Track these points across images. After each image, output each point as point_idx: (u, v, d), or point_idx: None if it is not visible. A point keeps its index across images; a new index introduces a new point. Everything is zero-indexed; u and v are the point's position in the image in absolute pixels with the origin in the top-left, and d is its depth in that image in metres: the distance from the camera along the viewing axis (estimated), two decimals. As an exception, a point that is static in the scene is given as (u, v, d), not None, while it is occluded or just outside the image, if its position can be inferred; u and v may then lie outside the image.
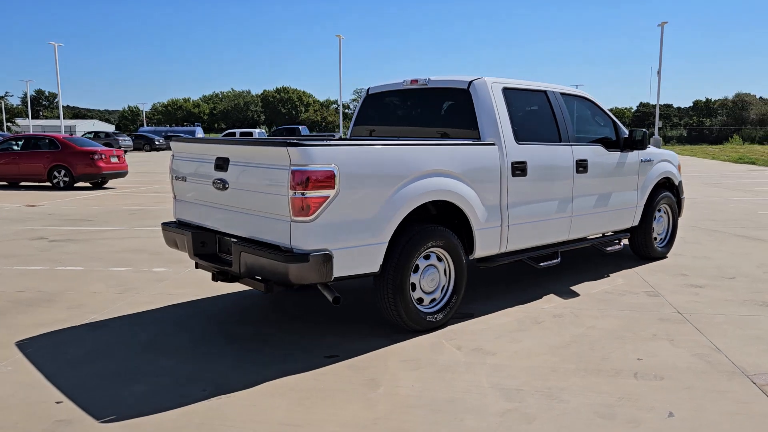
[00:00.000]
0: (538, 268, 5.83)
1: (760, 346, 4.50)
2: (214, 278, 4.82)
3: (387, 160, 4.47)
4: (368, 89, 6.39)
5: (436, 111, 5.77)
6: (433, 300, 4.93)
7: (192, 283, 6.38)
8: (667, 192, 7.37)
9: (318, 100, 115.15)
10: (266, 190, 4.24)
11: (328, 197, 4.11)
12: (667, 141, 65.00)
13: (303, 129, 37.54)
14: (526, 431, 3.30)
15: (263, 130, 32.47)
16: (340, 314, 5.32)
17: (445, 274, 4.97)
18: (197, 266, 5.19)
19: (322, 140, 4.53)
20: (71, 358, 4.35)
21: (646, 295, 5.87)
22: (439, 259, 4.91)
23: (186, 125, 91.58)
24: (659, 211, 7.33)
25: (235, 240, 4.51)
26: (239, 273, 4.46)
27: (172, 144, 5.29)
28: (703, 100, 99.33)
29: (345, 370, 4.13)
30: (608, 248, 6.66)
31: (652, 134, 42.10)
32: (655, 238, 7.35)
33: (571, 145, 5.93)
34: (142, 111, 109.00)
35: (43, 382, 3.95)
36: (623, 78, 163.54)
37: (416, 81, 5.82)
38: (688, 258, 7.46)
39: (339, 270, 4.23)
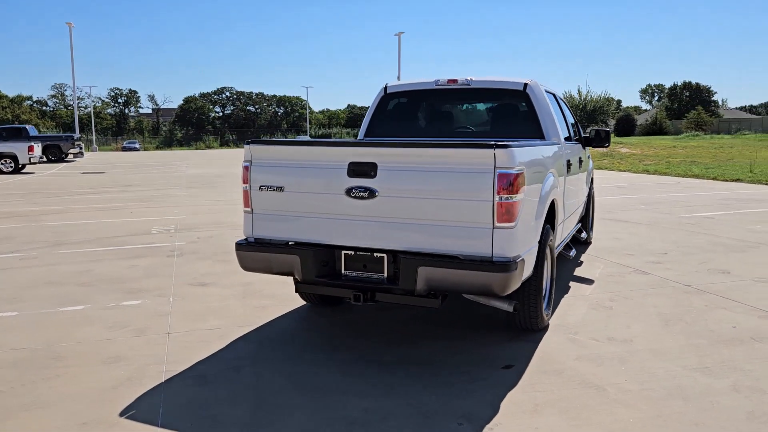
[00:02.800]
0: (570, 258, 6.25)
1: (785, 304, 5.53)
2: (357, 299, 4.20)
3: (540, 160, 4.44)
4: (385, 88, 6.06)
5: (483, 112, 5.78)
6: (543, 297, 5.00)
7: (210, 311, 5.38)
8: (591, 184, 8.40)
9: (6, 96, 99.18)
10: (454, 196, 3.88)
11: (521, 200, 3.95)
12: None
13: (31, 129, 32.11)
14: (776, 400, 3.67)
15: None
16: (435, 323, 5.06)
17: (547, 271, 5.08)
18: (300, 290, 4.44)
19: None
20: (238, 419, 3.45)
21: (637, 274, 6.68)
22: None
23: None
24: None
25: (406, 255, 4.00)
26: (414, 290, 3.99)
27: (251, 148, 4.41)
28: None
29: (544, 377, 4.01)
30: (582, 236, 7.38)
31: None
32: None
33: (575, 143, 6.46)
34: None
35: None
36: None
37: (455, 81, 5.74)
38: (606, 241, 8.60)
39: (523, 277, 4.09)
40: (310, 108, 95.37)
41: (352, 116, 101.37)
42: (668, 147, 37.05)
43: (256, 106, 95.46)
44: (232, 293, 5.99)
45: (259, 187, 4.40)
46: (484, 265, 3.83)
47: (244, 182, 4.47)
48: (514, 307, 4.25)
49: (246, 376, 4.03)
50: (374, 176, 4.05)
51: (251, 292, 5.97)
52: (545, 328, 4.91)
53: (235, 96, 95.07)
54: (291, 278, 5.75)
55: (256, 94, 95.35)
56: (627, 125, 66.05)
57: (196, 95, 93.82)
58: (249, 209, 4.49)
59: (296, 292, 4.50)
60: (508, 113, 5.69)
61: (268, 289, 6.04)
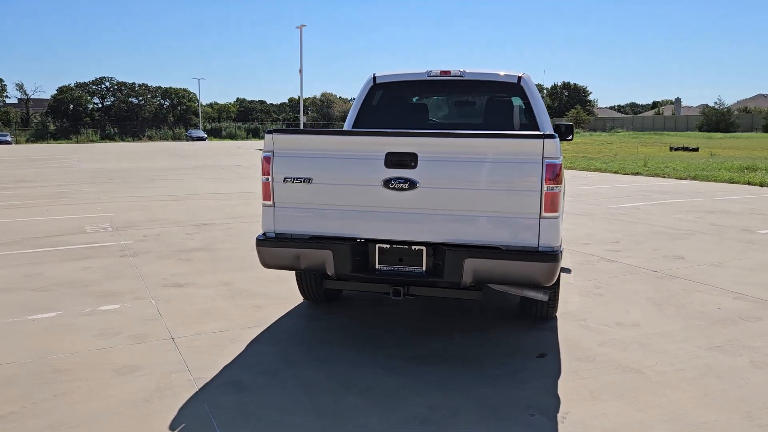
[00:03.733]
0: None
1: (755, 280, 5.97)
2: (397, 294, 4.06)
3: (561, 151, 4.50)
4: (374, 77, 5.90)
5: (477, 105, 5.78)
6: (548, 287, 5.09)
7: (205, 314, 5.03)
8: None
9: None
10: (500, 186, 3.84)
11: (562, 191, 3.99)
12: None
13: None
14: (795, 374, 3.96)
15: None
16: (444, 315, 5.02)
17: (555, 261, 5.17)
18: (326, 287, 4.24)
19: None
20: (305, 425, 3.24)
21: (605, 261, 6.99)
22: (550, 247, 5.09)
23: None
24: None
25: (451, 248, 3.91)
26: (459, 283, 3.91)
27: (274, 138, 4.13)
28: (296, 97, 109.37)
29: (581, 364, 4.09)
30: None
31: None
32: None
33: (551, 137, 6.62)
34: None
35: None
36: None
37: (448, 72, 5.69)
38: (557, 231, 8.91)
39: None
40: (200, 102, 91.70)
41: (243, 110, 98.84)
42: (558, 143, 39.15)
43: (140, 98, 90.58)
44: (216, 293, 5.63)
45: (284, 179, 4.15)
46: (531, 255, 3.83)
47: (264, 174, 4.19)
48: (549, 297, 4.30)
49: (286, 380, 3.80)
50: (414, 167, 3.93)
51: (237, 292, 5.65)
52: (555, 317, 5.01)
53: (116, 86, 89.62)
54: (282, 276, 5.56)
55: (140, 85, 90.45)
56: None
57: (72, 85, 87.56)
58: (270, 202, 4.22)
59: (321, 288, 4.30)
60: (503, 106, 5.73)
61: (254, 288, 5.74)
